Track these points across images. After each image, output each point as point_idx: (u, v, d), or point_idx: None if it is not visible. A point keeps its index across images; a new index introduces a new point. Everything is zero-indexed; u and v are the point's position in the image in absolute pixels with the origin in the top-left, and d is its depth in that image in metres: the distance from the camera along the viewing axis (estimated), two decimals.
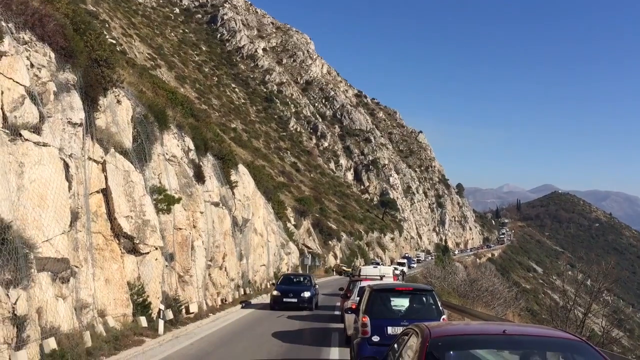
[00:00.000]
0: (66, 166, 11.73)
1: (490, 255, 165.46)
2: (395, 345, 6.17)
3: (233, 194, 28.05)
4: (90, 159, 13.17)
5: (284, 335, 16.72)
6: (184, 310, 17.89)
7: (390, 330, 10.71)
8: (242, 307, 24.77)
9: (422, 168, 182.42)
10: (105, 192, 13.79)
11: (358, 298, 14.71)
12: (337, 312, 24.38)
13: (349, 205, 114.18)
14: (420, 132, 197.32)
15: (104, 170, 13.78)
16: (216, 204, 23.55)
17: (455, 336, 5.42)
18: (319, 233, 76.33)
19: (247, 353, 13.57)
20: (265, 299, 29.46)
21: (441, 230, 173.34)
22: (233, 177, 28.67)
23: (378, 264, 51.30)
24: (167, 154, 18.98)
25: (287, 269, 46.90)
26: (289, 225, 58.50)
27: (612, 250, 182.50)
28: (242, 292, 28.11)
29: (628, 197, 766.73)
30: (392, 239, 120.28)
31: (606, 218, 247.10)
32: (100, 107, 14.33)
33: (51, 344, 9.94)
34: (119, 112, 15.37)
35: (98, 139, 13.70)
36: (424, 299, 11.76)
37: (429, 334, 5.18)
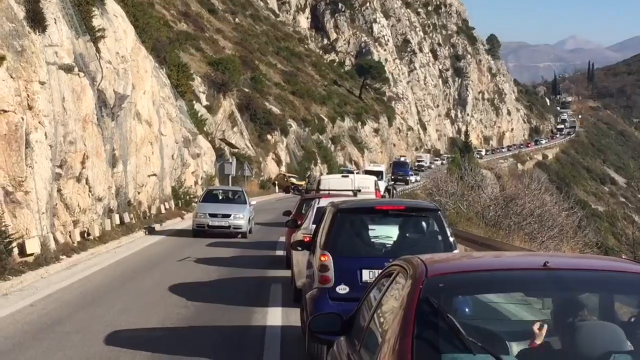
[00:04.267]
0: None
1: (540, 158, 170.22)
2: (372, 295, 6.45)
3: (98, 51, 27.63)
4: None
5: (191, 290, 17.19)
6: (16, 251, 18.08)
7: (366, 275, 11.14)
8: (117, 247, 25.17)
9: (429, 8, 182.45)
10: None
11: (314, 226, 15.09)
12: (280, 252, 25.10)
13: (302, 72, 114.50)
14: None
15: None
16: (68, 69, 23.26)
17: (467, 273, 5.70)
18: (250, 121, 76.73)
19: (127, 318, 14.00)
20: (151, 236, 29.99)
21: (460, 115, 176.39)
22: (97, 22, 28.12)
23: (350, 172, 52.13)
24: None
25: (196, 183, 47.38)
26: (198, 107, 58.46)
27: None
28: (118, 221, 28.48)
29: None
30: (377, 131, 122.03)
31: None
32: None
33: None
34: None
35: None
36: (424, 224, 12.16)
37: (425, 271, 5.40)
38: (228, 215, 30.22)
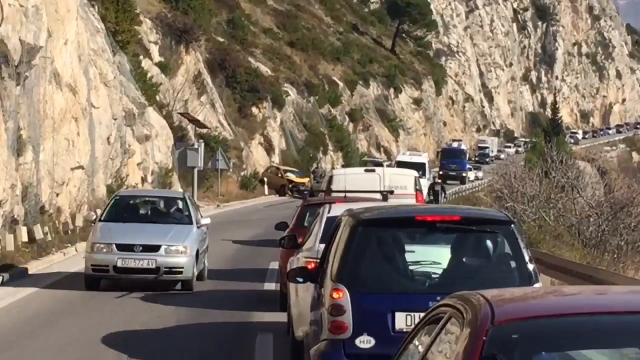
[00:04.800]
0: None
1: None
2: (411, 349, 6.49)
3: None
4: None
5: (138, 342, 17.34)
6: None
7: (401, 321, 11.24)
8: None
9: None
10: None
11: (323, 246, 15.12)
12: (271, 286, 25.23)
13: (305, 13, 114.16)
14: None
15: None
16: None
17: (554, 318, 5.71)
18: (226, 87, 76.61)
19: None
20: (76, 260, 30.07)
21: (545, 80, 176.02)
22: None
23: (379, 164, 52.02)
24: None
25: (145, 180, 47.42)
26: (147, 65, 58.48)
27: None
28: (25, 236, 28.44)
29: None
30: (418, 102, 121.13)
31: None
32: None
33: None
34: None
35: None
36: (488, 244, 12.17)
37: (490, 315, 5.43)
38: (154, 248, 24.24)
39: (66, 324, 19.19)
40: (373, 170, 35.40)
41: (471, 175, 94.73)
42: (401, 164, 55.45)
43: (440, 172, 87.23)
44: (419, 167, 55.01)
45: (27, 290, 23.45)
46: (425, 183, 52.66)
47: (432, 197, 53.38)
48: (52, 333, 18.19)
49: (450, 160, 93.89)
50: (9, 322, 19.24)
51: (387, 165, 44.93)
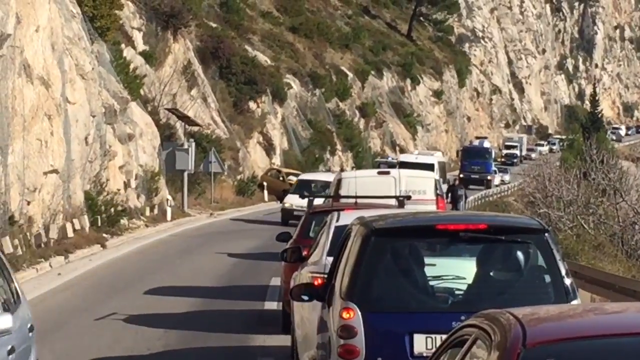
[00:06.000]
0: None
1: None
2: None
3: None
4: None
5: None
6: None
7: (421, 343, 11.26)
8: None
9: None
10: None
11: (331, 260, 15.17)
12: (272, 305, 25.24)
13: None
14: None
15: None
16: None
17: (594, 339, 5.73)
18: (220, 78, 76.72)
19: None
20: (62, 269, 30.00)
21: (583, 68, 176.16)
22: None
23: (394, 166, 51.98)
24: None
25: (128, 185, 47.57)
26: (130, 55, 58.64)
27: None
28: None
29: None
30: (438, 95, 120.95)
31: None
32: None
33: None
34: None
35: None
36: (519, 255, 12.20)
37: (522, 337, 5.47)
38: None
39: (40, 351, 19.23)
40: (388, 173, 35.50)
41: (497, 178, 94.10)
42: (404, 165, 54.78)
43: (461, 175, 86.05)
44: (425, 169, 51.63)
45: None
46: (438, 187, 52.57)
47: (450, 203, 53.37)
48: None
49: (473, 161, 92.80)
50: None
51: (399, 166, 44.64)
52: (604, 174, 50.56)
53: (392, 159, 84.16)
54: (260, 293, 27.48)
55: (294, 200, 50.02)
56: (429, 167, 57.22)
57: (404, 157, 69.16)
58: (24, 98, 32.91)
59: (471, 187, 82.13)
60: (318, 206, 27.90)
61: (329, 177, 51.09)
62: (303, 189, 51.36)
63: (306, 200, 47.47)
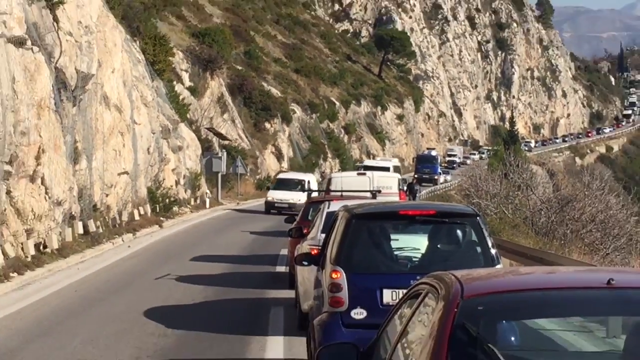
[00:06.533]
0: None
1: (603, 151, 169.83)
2: (396, 319, 6.48)
3: (55, 20, 27.65)
4: None
5: (172, 316, 17.30)
6: None
7: (388, 296, 11.24)
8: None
9: None
10: None
11: (323, 236, 15.11)
12: (281, 268, 25.17)
13: (308, 45, 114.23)
14: None
15: None
16: (19, 42, 23.27)
17: (512, 293, 5.72)
18: (244, 106, 76.72)
19: (92, 352, 14.10)
20: (130, 243, 29.91)
21: (504, 98, 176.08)
22: None
23: (368, 168, 51.96)
24: None
25: (178, 183, 47.50)
26: (179, 89, 58.53)
27: None
28: (81, 230, 28.51)
29: None
30: (400, 118, 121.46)
31: None
32: None
33: None
34: None
35: None
36: (459, 233, 12.17)
37: (460, 291, 5.44)
38: None
39: (115, 301, 19.18)
40: (364, 174, 35.42)
41: (441, 178, 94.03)
42: (367, 168, 53.63)
43: (416, 176, 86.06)
44: (383, 170, 53.12)
45: (85, 273, 23.48)
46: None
47: (408, 195, 53.30)
48: (103, 308, 18.19)
49: (424, 165, 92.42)
50: (66, 300, 19.23)
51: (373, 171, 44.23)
52: (519, 174, 50.40)
53: (368, 164, 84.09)
54: (273, 260, 27.41)
55: (274, 195, 49.37)
56: (386, 169, 57.90)
57: (368, 162, 70.18)
58: (103, 120, 32.83)
59: (423, 184, 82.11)
60: (314, 197, 27.83)
61: (299, 176, 52.75)
62: (280, 185, 50.70)
63: (284, 193, 48.86)
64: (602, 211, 41.80)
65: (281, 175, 54.39)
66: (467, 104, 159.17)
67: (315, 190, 39.93)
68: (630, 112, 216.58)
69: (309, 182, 50.21)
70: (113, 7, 37.61)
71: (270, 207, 48.65)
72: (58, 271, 23.17)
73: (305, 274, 15.45)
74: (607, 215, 41.56)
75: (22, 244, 22.86)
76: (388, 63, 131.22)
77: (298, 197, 46.84)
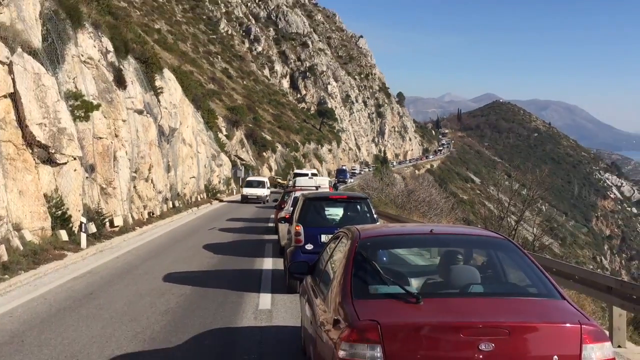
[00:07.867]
0: None
1: (429, 167, 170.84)
2: (327, 249, 6.47)
3: (158, 101, 27.40)
4: None
5: (216, 248, 17.05)
6: (107, 224, 17.86)
7: (324, 238, 11.07)
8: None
9: (362, 76, 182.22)
10: (14, 97, 13.20)
11: (292, 208, 15.05)
12: (271, 224, 24.90)
13: (284, 114, 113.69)
14: (361, 36, 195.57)
15: (10, 72, 13.11)
16: (140, 112, 23.01)
17: (384, 236, 5.75)
18: (252, 144, 76.13)
19: (177, 265, 13.85)
20: (195, 212, 29.59)
21: (380, 141, 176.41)
22: (158, 83, 27.90)
23: (315, 174, 51.74)
24: (82, 55, 18.15)
25: (219, 182, 47.13)
26: (220, 135, 58.02)
27: (550, 160, 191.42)
28: (171, 205, 28.23)
29: (568, 106, 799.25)
30: (330, 150, 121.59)
31: (545, 127, 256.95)
32: (2, 0, 13.47)
33: None
34: (25, 6, 14.47)
35: (2, 37, 12.94)
36: (358, 207, 12.17)
37: (359, 235, 5.46)
38: None
39: (188, 240, 18.98)
40: (312, 178, 35.26)
41: (349, 180, 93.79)
42: (297, 175, 44.26)
43: (336, 180, 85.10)
44: (305, 175, 42.30)
45: (173, 226, 23.25)
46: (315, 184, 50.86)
47: (334, 189, 52.97)
48: (181, 243, 18.00)
49: (340, 174, 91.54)
50: (164, 239, 19.00)
51: (316, 176, 42.22)
52: (388, 178, 50.58)
53: (310, 172, 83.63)
54: (267, 220, 27.15)
55: (246, 191, 40.74)
56: (307, 174, 46.29)
57: (296, 171, 57.48)
58: (182, 151, 32.54)
59: (340, 184, 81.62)
60: (288, 189, 27.68)
61: (260, 178, 44.35)
62: (249, 185, 41.64)
63: (253, 189, 40.15)
64: (428, 196, 42.06)
65: (249, 178, 44.71)
66: (363, 144, 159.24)
67: (288, 186, 39.41)
68: (442, 148, 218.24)
69: (266, 182, 43.94)
70: (187, 94, 37.28)
71: (245, 199, 40.32)
72: (159, 226, 22.85)
73: (283, 227, 15.38)
74: (431, 198, 41.81)
75: (141, 212, 22.60)
76: (324, 124, 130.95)
77: (262, 192, 40.64)
